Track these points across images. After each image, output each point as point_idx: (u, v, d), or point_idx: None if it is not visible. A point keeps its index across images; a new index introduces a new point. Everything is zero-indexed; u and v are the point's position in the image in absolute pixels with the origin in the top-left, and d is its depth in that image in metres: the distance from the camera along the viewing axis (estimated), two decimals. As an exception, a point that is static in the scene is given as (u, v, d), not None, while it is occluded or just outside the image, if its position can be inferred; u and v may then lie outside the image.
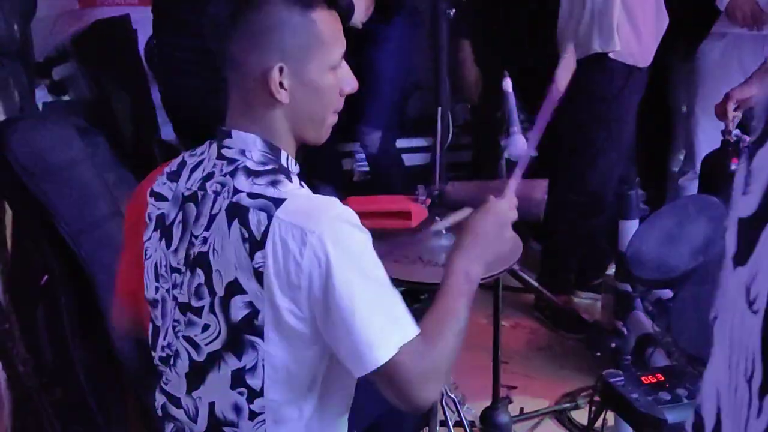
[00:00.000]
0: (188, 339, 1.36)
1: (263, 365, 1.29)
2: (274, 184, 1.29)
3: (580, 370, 2.75)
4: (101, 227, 2.19)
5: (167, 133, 3.50)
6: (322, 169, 3.27)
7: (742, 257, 0.50)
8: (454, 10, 2.49)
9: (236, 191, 1.28)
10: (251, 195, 1.27)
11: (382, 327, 1.24)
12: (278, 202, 1.25)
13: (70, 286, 2.17)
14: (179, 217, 1.37)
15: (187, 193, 1.37)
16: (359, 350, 1.23)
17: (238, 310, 1.28)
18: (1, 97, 2.46)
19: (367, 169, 3.61)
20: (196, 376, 1.36)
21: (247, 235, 1.25)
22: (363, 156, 3.56)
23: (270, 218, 1.24)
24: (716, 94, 2.90)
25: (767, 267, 0.46)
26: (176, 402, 1.42)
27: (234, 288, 1.27)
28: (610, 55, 2.82)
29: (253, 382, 1.31)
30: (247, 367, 1.30)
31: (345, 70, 1.40)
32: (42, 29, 3.28)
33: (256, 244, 1.24)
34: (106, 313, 1.97)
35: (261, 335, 1.28)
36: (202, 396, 1.36)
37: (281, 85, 1.31)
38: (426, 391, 1.27)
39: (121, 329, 1.65)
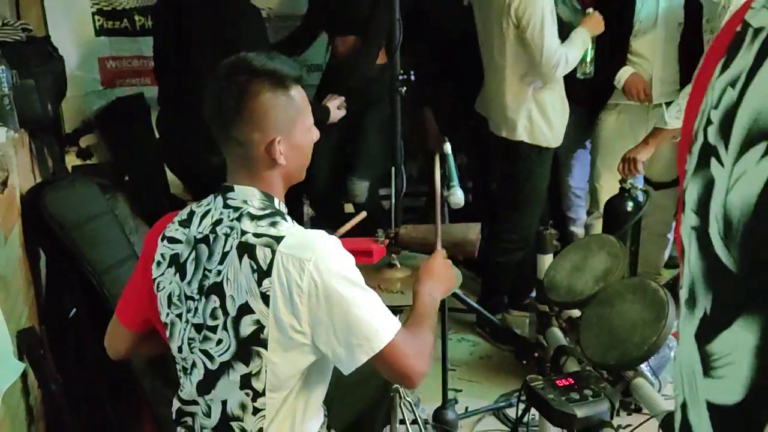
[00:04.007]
0: (204, 351, 1.37)
1: (266, 370, 1.31)
2: (273, 224, 1.32)
3: (513, 375, 2.77)
4: (120, 268, 2.19)
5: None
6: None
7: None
8: (405, 88, 2.56)
9: (243, 232, 1.31)
10: (256, 235, 1.30)
11: (378, 320, 1.30)
12: (279, 239, 1.29)
13: (94, 317, 2.15)
14: (192, 255, 1.39)
15: (199, 236, 1.39)
16: (362, 342, 1.28)
17: (247, 327, 1.30)
18: (37, 163, 2.45)
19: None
20: (208, 382, 1.37)
21: (255, 267, 1.28)
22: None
23: (274, 252, 1.27)
24: (612, 151, 3.00)
25: None
26: (192, 404, 1.42)
27: (244, 309, 1.30)
28: (526, 140, 2.87)
29: (257, 384, 1.32)
30: (253, 372, 1.32)
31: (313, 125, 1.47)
32: (72, 106, 3.29)
33: (263, 273, 1.27)
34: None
35: (265, 346, 1.30)
36: (214, 398, 1.37)
37: (280, 152, 1.36)
38: (418, 365, 1.34)
39: (113, 349, 1.59)
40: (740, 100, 0.37)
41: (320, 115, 2.74)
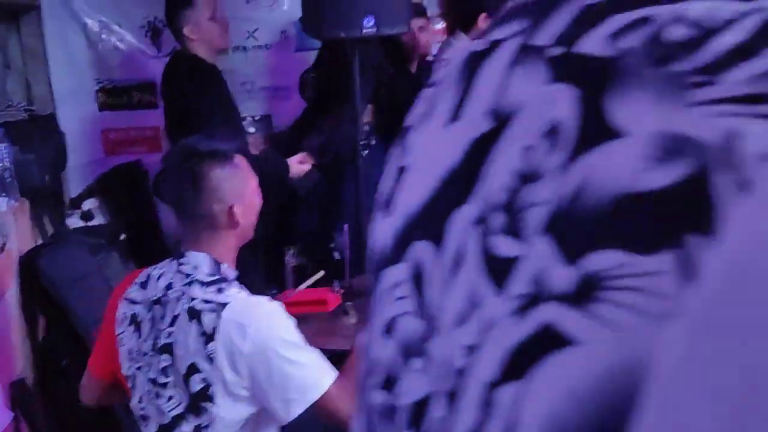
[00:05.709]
0: (156, 406, 1.37)
1: (216, 420, 1.32)
2: (220, 291, 1.33)
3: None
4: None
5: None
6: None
7: None
8: (366, 151, 2.64)
9: (192, 298, 1.33)
10: (204, 301, 1.32)
11: (313, 375, 1.31)
12: (223, 305, 1.30)
13: (83, 366, 2.17)
14: (148, 316, 1.40)
15: (154, 298, 1.40)
16: (296, 397, 1.29)
17: (196, 384, 1.31)
18: (37, 227, 2.51)
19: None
20: None
21: (202, 331, 1.29)
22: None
23: (218, 318, 1.29)
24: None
25: None
26: None
27: (192, 369, 1.31)
28: None
29: None
30: (203, 425, 1.32)
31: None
32: (76, 173, 3.35)
33: (209, 337, 1.29)
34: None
35: (213, 401, 1.31)
36: None
37: (238, 215, 1.40)
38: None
39: (86, 397, 1.64)
40: None
41: (280, 166, 2.70)
